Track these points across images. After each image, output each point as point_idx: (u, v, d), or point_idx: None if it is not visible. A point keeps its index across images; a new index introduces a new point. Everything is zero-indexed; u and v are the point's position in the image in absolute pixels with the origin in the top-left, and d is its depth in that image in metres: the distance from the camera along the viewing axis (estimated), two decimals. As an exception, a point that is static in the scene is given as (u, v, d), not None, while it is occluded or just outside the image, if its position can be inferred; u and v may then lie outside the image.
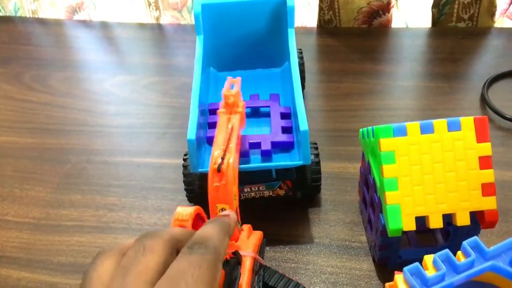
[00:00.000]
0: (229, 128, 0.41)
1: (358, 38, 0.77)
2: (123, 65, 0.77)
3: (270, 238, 0.49)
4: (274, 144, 0.48)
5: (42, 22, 0.90)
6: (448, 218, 0.40)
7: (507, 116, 0.60)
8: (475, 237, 0.30)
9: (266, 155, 0.48)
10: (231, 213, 0.34)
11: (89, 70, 0.77)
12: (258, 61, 0.61)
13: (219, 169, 0.37)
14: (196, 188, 0.50)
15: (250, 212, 0.45)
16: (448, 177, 0.39)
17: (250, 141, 0.48)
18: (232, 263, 0.36)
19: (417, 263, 0.30)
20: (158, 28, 0.86)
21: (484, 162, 0.39)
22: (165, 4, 0.86)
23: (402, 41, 0.77)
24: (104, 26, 0.87)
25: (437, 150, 0.39)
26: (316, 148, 0.51)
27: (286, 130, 0.50)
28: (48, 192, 0.57)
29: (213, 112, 0.53)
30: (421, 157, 0.39)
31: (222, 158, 0.38)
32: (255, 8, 0.59)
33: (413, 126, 0.39)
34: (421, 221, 0.40)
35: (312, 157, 0.49)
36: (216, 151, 0.39)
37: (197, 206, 0.37)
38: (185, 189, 0.51)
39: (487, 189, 0.39)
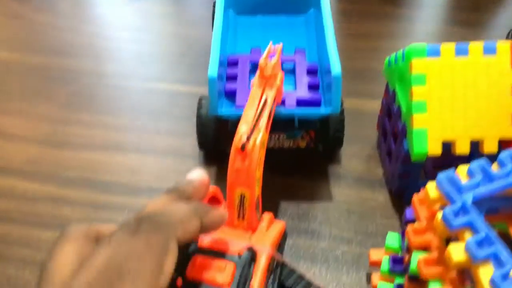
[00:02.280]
0: (261, 103, 0.36)
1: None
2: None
3: (283, 168, 0.48)
4: (300, 102, 0.44)
5: None
6: (475, 147, 0.39)
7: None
8: (510, 150, 0.29)
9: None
10: (223, 210, 0.30)
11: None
12: (280, 5, 0.56)
13: (243, 148, 0.33)
14: (210, 140, 0.47)
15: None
16: (479, 103, 0.38)
17: None
18: (245, 259, 0.31)
19: (452, 169, 0.29)
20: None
21: (518, 90, 0.38)
22: None
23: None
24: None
25: (470, 74, 0.38)
26: (341, 104, 0.47)
27: (313, 87, 0.46)
28: (56, 110, 0.56)
29: (232, 63, 0.48)
30: (452, 80, 0.38)
31: (248, 137, 0.33)
32: None
33: (447, 48, 0.38)
34: (445, 149, 0.39)
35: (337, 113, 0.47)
36: (243, 127, 0.34)
37: (215, 187, 0.33)
38: (198, 139, 0.47)
39: (518, 118, 0.38)
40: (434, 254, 0.29)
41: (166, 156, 0.51)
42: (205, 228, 0.28)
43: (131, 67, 0.61)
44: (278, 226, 0.37)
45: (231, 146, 0.44)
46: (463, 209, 0.27)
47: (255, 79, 0.38)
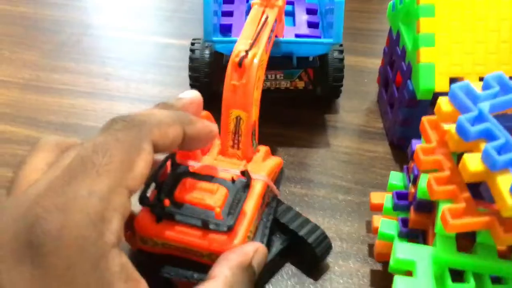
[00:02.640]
0: (262, 21, 0.34)
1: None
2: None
3: (275, 118, 0.45)
4: (299, 37, 0.42)
5: None
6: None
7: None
8: None
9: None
10: (212, 124, 0.28)
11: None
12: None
13: (240, 64, 0.30)
14: (202, 77, 0.44)
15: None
16: (490, 37, 0.36)
17: None
18: (239, 184, 0.28)
19: (466, 81, 0.26)
20: None
21: (530, 24, 0.36)
22: None
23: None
24: None
25: (480, 7, 0.36)
26: (341, 45, 0.46)
27: (312, 25, 0.45)
28: (39, 57, 0.53)
29: (229, 1, 0.47)
30: (462, 12, 0.36)
31: (247, 52, 0.31)
32: None
33: (458, -22, 0.36)
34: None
35: (336, 53, 0.45)
36: (241, 43, 0.32)
37: (206, 112, 0.30)
38: (190, 77, 0.45)
39: (530, 54, 0.36)
40: (445, 173, 0.27)
41: (154, 104, 0.48)
42: (190, 139, 0.26)
43: (121, 20, 0.59)
44: (275, 160, 0.34)
45: (223, 83, 0.42)
46: (480, 118, 0.25)
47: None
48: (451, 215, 0.25)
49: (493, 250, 0.27)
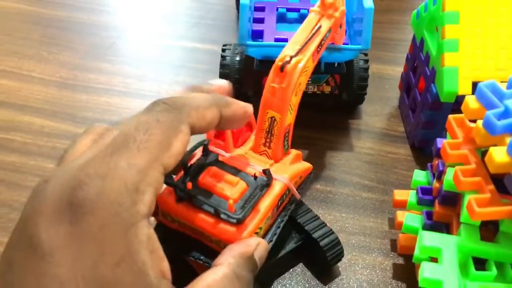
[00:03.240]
0: (315, 29, 0.34)
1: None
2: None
3: (302, 122, 0.47)
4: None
5: None
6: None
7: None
8: None
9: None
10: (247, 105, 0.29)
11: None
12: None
13: (282, 68, 0.31)
14: (233, 82, 0.45)
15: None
16: (499, 34, 0.37)
17: None
18: (259, 182, 0.29)
19: (493, 80, 0.28)
20: None
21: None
22: None
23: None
24: None
25: (503, 14, 0.38)
26: (366, 54, 0.47)
27: None
28: (76, 57, 0.55)
29: (259, 9, 0.48)
30: (486, 19, 0.38)
31: (291, 57, 0.32)
32: None
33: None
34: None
35: (362, 62, 0.47)
36: (289, 48, 0.32)
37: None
38: (220, 75, 0.47)
39: (540, 61, 0.38)
40: (471, 166, 0.28)
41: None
42: (226, 121, 0.27)
43: (151, 24, 0.62)
44: (304, 165, 0.35)
45: (253, 88, 0.44)
46: (506, 113, 0.27)
47: (314, 6, 0.36)
48: (477, 204, 0.26)
49: (515, 240, 0.28)
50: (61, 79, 0.52)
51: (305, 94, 0.45)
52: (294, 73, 0.31)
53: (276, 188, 0.30)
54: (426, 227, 0.33)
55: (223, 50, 0.47)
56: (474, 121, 0.30)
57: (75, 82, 0.52)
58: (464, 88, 0.38)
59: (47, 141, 0.45)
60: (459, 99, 0.39)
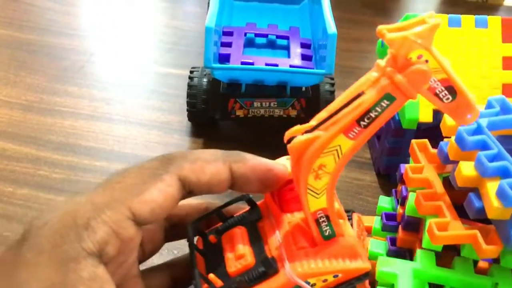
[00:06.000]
0: (355, 102, 0.22)
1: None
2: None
3: (268, 146, 0.47)
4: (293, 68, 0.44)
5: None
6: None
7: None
8: None
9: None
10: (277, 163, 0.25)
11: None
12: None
13: (289, 141, 0.23)
14: (200, 103, 0.46)
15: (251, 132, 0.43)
16: (470, 73, 0.39)
17: (266, 62, 0.44)
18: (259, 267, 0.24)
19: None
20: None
21: (508, 63, 0.39)
22: None
23: (416, 6, 0.79)
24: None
25: (462, 45, 0.39)
26: (332, 79, 0.49)
27: (306, 58, 0.46)
28: (43, 81, 0.55)
29: (227, 33, 0.48)
30: (445, 50, 0.39)
31: (307, 131, 0.23)
32: None
33: (441, 18, 0.39)
34: (435, 120, 0.39)
35: (328, 86, 0.48)
36: (314, 119, 0.23)
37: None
38: (188, 103, 0.47)
39: (507, 90, 0.39)
40: (432, 190, 0.29)
41: (153, 128, 0.50)
42: (241, 179, 0.24)
43: (123, 49, 0.62)
44: (354, 264, 0.25)
45: (220, 111, 0.44)
46: (477, 131, 0.27)
47: (378, 62, 0.22)
48: (438, 228, 0.26)
49: (470, 266, 0.28)
50: (26, 102, 0.51)
51: (271, 118, 0.46)
52: (294, 150, 0.23)
53: (275, 282, 0.24)
54: (390, 254, 0.33)
55: (191, 72, 0.48)
56: (437, 146, 0.30)
57: (40, 105, 0.51)
58: (425, 115, 0.38)
59: (7, 164, 0.44)
60: (421, 126, 0.40)
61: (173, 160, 0.23)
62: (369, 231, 0.36)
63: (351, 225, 0.30)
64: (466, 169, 0.26)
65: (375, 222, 0.35)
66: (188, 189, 0.23)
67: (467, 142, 0.27)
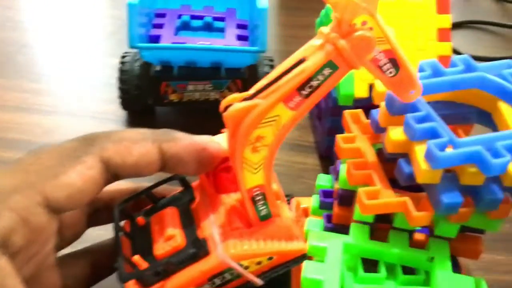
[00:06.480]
0: (296, 69, 0.22)
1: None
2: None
3: (207, 130, 0.46)
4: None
5: None
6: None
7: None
8: (465, 55, 0.28)
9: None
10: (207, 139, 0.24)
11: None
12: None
13: (224, 109, 0.22)
14: (132, 89, 0.44)
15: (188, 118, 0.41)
16: (406, 46, 0.38)
17: (199, 43, 0.43)
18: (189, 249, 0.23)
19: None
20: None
21: (443, 35, 0.38)
22: None
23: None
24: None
25: (396, 17, 0.38)
26: (272, 60, 0.47)
27: (241, 38, 0.45)
28: (-34, 73, 0.51)
29: (161, 15, 0.47)
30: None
31: (246, 99, 0.22)
32: None
33: (375, -9, 0.38)
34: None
35: (267, 68, 0.46)
36: (253, 88, 0.22)
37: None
38: (120, 89, 0.44)
39: (443, 62, 0.38)
40: (364, 159, 0.27)
41: (85, 119, 0.47)
42: (173, 160, 0.22)
43: (57, 40, 0.59)
44: (290, 246, 0.26)
45: (153, 96, 0.42)
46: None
47: (322, 29, 0.22)
48: (367, 196, 0.25)
49: (405, 240, 0.27)
50: None
51: (207, 101, 0.44)
52: (230, 118, 0.22)
53: (206, 264, 0.23)
54: (326, 231, 0.31)
55: (123, 57, 0.45)
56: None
57: (-39, 97, 0.48)
58: (360, 90, 0.37)
59: None
60: (358, 104, 0.39)
61: (95, 140, 0.21)
62: (307, 213, 0.35)
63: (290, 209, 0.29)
64: (395, 134, 0.25)
65: (313, 200, 0.34)
66: (112, 172, 0.21)
67: (395, 105, 0.25)
